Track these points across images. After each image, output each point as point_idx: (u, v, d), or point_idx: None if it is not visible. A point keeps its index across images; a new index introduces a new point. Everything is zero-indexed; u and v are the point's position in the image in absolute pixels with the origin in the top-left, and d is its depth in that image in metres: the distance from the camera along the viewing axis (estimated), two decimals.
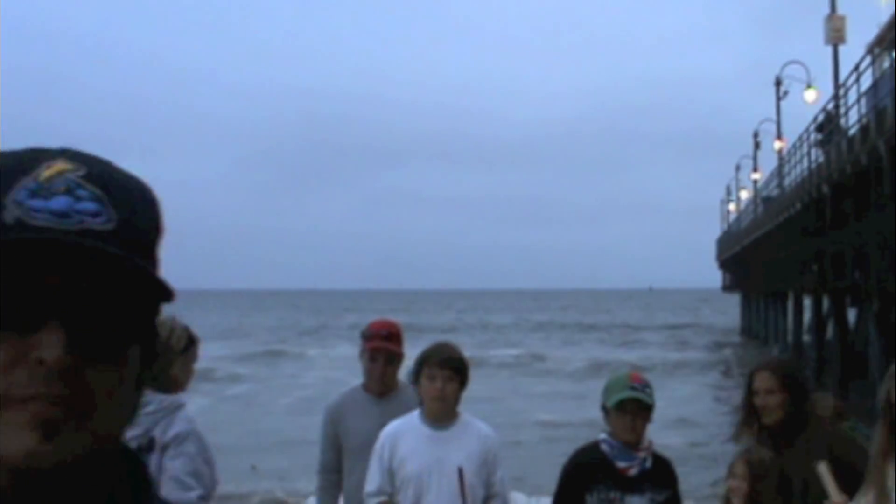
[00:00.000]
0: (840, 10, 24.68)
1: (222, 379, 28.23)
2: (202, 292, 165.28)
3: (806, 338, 28.09)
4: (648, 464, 4.25)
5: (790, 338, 29.87)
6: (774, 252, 30.23)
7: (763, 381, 4.55)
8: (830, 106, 22.44)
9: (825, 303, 24.57)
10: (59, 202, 0.83)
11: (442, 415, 4.36)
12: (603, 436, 4.30)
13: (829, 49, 24.67)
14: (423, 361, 4.40)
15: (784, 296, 30.92)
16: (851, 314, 21.51)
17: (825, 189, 20.30)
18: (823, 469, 3.97)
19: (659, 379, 26.85)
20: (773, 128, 36.50)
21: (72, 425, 0.81)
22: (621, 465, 4.20)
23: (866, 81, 18.40)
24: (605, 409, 4.28)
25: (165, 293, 0.87)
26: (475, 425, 4.51)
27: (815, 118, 24.00)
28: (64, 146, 0.89)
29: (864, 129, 17.38)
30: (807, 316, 27.93)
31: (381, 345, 4.91)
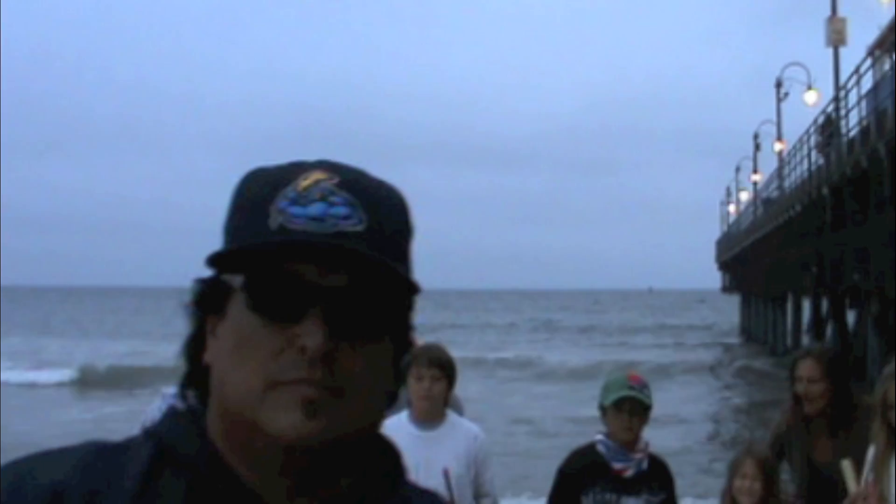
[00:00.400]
0: (841, 12, 24.69)
1: None
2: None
3: (805, 339, 28.10)
4: (645, 465, 4.23)
5: (789, 339, 29.88)
6: (774, 253, 30.23)
7: (806, 368, 4.50)
8: (831, 108, 22.43)
9: (824, 304, 24.59)
10: (316, 208, 0.94)
11: (429, 415, 4.37)
12: (599, 436, 4.28)
13: (829, 50, 24.68)
14: (410, 362, 4.40)
15: (783, 297, 30.93)
16: (850, 316, 21.52)
17: (825, 191, 20.29)
18: (847, 465, 3.94)
19: (656, 380, 26.91)
20: (774, 129, 36.52)
21: (331, 407, 0.91)
22: (617, 466, 4.18)
23: (867, 84, 18.40)
24: (602, 408, 4.26)
25: (411, 288, 0.98)
26: (463, 425, 4.52)
27: (816, 120, 24.01)
28: (321, 158, 1.00)
29: (864, 132, 17.39)
30: (806, 317, 27.95)
31: None
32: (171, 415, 1.00)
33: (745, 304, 45.34)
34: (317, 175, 0.97)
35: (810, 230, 22.82)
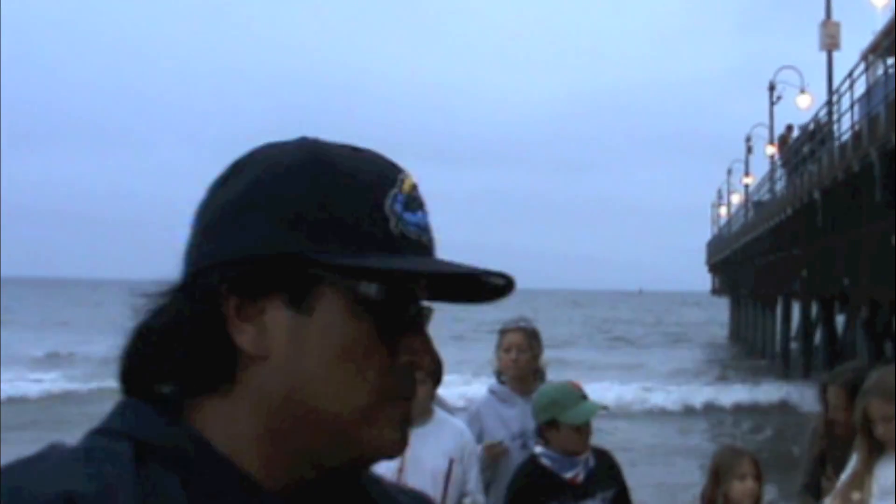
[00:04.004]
0: (834, 17, 24.73)
1: None
2: None
3: (794, 343, 28.17)
4: (591, 463, 4.14)
5: (778, 343, 29.94)
6: (764, 257, 30.30)
7: (835, 396, 4.49)
8: (822, 113, 22.48)
9: (814, 308, 24.65)
10: (421, 216, 0.93)
11: (414, 415, 4.32)
12: (539, 450, 4.16)
13: (816, 50, 24.74)
14: None
15: (773, 301, 31.00)
16: (840, 320, 21.58)
17: (816, 195, 20.33)
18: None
19: (649, 380, 26.92)
20: (766, 132, 36.58)
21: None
22: (569, 475, 4.07)
23: (860, 88, 18.44)
24: (551, 423, 4.10)
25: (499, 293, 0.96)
26: (450, 423, 4.48)
27: (804, 130, 24.07)
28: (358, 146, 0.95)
29: (856, 136, 17.42)
30: (795, 321, 28.02)
31: None
32: (131, 409, 0.89)
33: (735, 307, 45.43)
34: (410, 178, 0.94)
35: (801, 234, 22.86)
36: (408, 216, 0.91)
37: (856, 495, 3.94)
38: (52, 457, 0.85)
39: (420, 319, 0.92)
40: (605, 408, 4.26)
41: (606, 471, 4.21)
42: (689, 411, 21.89)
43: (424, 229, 0.93)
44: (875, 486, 3.89)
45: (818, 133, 22.27)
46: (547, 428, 4.13)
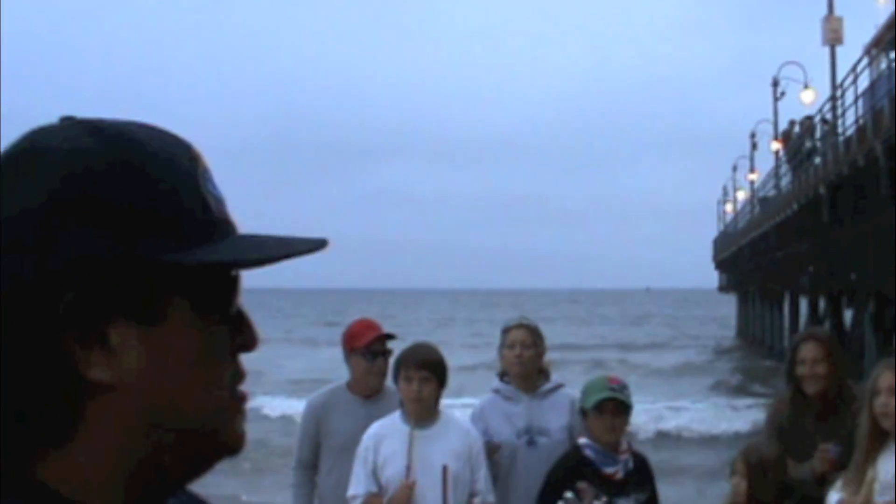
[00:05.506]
0: (837, 12, 24.68)
1: None
2: None
3: None
4: (631, 464, 4.29)
5: (786, 339, 29.87)
6: (771, 253, 30.23)
7: (810, 350, 4.57)
8: (827, 108, 22.43)
9: (821, 304, 24.58)
10: (218, 189, 0.84)
11: (421, 415, 4.34)
12: (583, 441, 4.29)
13: (819, 44, 24.64)
14: (400, 363, 4.39)
15: (780, 297, 30.92)
16: (847, 315, 21.51)
17: (822, 190, 20.28)
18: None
19: (650, 379, 26.90)
20: (770, 128, 36.49)
21: None
22: (608, 470, 4.22)
23: (864, 83, 18.41)
24: (584, 412, 4.30)
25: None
26: (457, 423, 4.50)
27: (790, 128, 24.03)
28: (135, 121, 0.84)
29: (860, 131, 17.38)
30: (803, 317, 27.95)
31: (380, 347, 4.86)
32: None
33: (742, 304, 45.33)
34: (197, 149, 0.84)
35: (807, 229, 22.82)
36: (215, 193, 0.82)
37: (865, 487, 3.94)
38: None
39: (237, 309, 0.83)
40: (612, 399, 4.26)
41: (642, 474, 4.34)
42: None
43: (224, 202, 0.84)
44: (876, 481, 3.89)
45: (814, 128, 22.23)
46: (583, 418, 4.33)
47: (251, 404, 0.87)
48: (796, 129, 28.02)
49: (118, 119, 0.82)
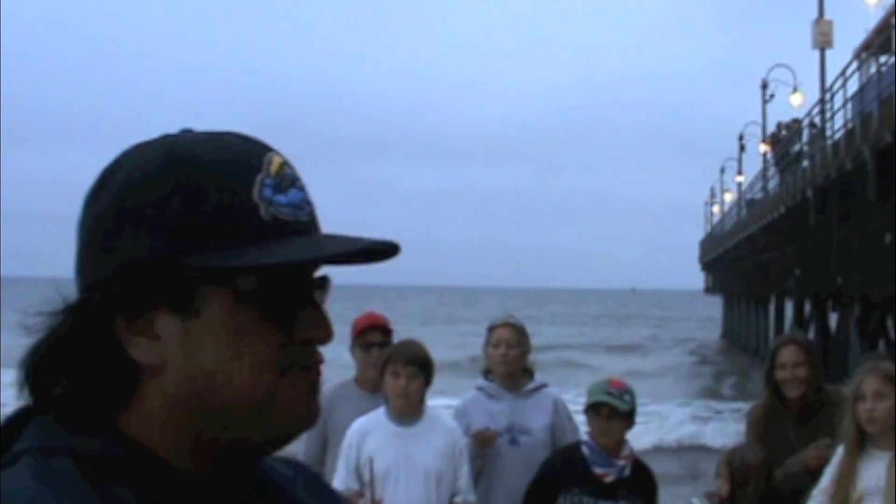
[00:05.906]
0: (827, 15, 24.72)
1: None
2: None
3: None
4: (627, 472, 4.24)
5: (771, 341, 29.89)
6: (757, 255, 30.29)
7: (790, 354, 4.56)
8: (815, 111, 22.47)
9: (807, 307, 24.63)
10: (294, 195, 0.92)
11: (406, 412, 4.32)
12: (585, 437, 4.32)
13: (809, 47, 24.73)
14: (387, 359, 4.37)
15: (766, 299, 31.00)
16: (833, 319, 21.55)
17: (809, 193, 20.32)
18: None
19: (630, 381, 26.87)
20: (759, 130, 36.57)
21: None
22: (599, 471, 4.20)
23: (853, 86, 18.44)
24: (585, 410, 4.31)
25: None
26: (441, 420, 4.48)
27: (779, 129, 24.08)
28: (222, 130, 0.95)
29: (849, 134, 17.40)
30: (788, 320, 28.01)
31: (375, 338, 4.84)
32: (50, 427, 0.90)
33: (728, 306, 45.45)
34: (277, 158, 0.94)
35: (794, 232, 22.85)
36: (279, 199, 0.91)
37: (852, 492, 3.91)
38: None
39: (313, 292, 0.94)
40: (605, 404, 4.20)
41: (639, 483, 4.29)
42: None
43: (299, 207, 0.93)
44: (859, 485, 3.88)
45: (801, 131, 22.26)
46: (586, 414, 4.31)
47: None
48: (783, 132, 28.09)
49: (211, 131, 0.95)
